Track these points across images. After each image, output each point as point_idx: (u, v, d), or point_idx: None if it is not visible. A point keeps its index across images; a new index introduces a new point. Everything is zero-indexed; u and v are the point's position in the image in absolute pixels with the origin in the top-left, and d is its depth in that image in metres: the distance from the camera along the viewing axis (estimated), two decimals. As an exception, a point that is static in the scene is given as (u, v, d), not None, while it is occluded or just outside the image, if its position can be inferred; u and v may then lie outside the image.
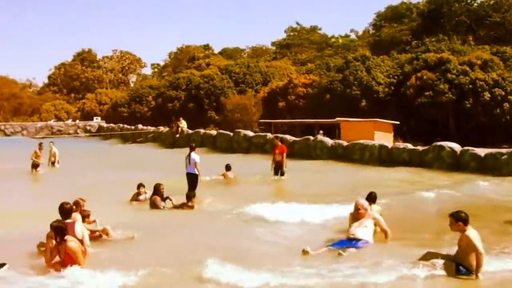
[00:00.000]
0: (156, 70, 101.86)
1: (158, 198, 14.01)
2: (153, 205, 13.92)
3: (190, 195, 14.12)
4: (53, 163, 26.26)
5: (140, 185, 15.14)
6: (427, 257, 8.23)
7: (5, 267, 8.28)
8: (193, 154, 16.79)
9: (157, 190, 14.13)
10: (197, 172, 16.62)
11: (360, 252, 9.18)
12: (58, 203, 8.92)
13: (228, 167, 20.36)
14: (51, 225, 8.15)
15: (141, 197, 14.97)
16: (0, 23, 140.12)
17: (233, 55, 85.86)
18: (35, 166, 24.24)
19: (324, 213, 12.47)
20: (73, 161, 27.14)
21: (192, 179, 16.53)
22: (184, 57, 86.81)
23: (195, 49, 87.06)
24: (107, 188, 17.50)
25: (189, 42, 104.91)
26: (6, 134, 62.52)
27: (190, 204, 13.87)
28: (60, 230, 8.04)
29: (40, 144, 25.51)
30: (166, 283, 7.79)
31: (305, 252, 9.08)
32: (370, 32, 74.56)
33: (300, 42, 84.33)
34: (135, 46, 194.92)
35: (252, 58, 73.32)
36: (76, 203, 10.39)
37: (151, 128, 46.56)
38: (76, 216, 9.45)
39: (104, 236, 10.40)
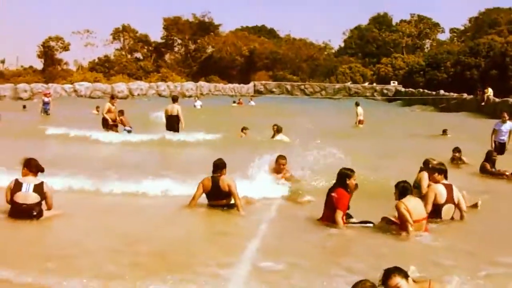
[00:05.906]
0: (454, 34, 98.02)
1: (487, 165, 13.76)
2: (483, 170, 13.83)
3: None
4: (359, 122, 28.46)
5: (456, 150, 15.75)
6: None
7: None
8: (509, 123, 16.86)
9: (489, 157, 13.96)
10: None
11: None
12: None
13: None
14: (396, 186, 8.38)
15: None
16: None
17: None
18: None
19: None
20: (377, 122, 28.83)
21: (502, 148, 16.56)
22: (484, 23, 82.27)
23: (498, 13, 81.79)
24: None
25: (491, 5, 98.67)
26: (305, 94, 67.52)
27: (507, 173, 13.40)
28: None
29: None
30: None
31: None
32: None
33: None
34: (433, 10, 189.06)
35: None
36: (426, 162, 10.41)
37: (454, 95, 45.58)
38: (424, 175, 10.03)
39: None
